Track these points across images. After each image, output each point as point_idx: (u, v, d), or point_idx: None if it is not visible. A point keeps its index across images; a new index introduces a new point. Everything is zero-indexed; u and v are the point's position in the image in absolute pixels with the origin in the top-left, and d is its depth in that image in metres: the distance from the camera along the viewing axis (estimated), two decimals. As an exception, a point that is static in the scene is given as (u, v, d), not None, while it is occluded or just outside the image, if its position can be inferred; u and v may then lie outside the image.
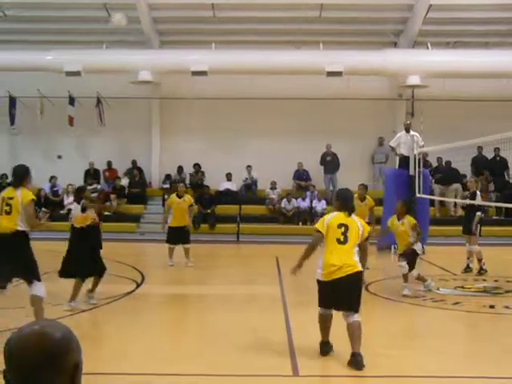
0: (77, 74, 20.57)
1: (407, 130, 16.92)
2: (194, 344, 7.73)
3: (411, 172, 16.44)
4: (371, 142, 22.86)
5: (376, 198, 19.39)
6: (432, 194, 19.47)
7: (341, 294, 6.56)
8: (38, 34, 22.20)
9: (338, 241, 6.62)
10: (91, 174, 23.08)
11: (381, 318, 9.28)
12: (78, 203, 9.91)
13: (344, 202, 6.95)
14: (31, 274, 7.53)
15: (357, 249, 6.67)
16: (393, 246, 16.68)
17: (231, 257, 17.60)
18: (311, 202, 21.58)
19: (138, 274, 12.75)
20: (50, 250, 14.62)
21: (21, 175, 7.75)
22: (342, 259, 6.53)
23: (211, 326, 8.65)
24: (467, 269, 13.54)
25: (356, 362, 6.38)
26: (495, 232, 19.41)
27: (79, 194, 10.35)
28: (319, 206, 21.31)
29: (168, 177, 23.01)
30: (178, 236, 14.09)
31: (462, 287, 11.54)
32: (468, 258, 13.69)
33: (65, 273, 9.58)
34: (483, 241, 18.66)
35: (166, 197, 22.03)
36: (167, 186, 22.53)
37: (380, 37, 22.51)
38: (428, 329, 8.75)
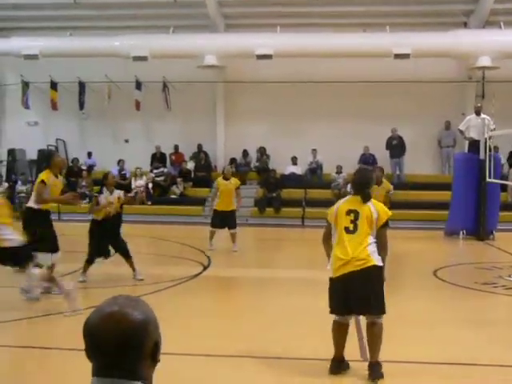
0: (143, 58, 20.83)
1: (477, 113, 16.48)
2: (256, 327, 7.74)
3: (481, 156, 16.04)
4: (438, 125, 22.37)
5: (444, 182, 19.20)
6: (504, 178, 18.95)
7: (352, 294, 5.56)
8: (106, 20, 22.60)
9: (347, 230, 5.64)
10: (158, 158, 23.37)
11: (448, 304, 9.08)
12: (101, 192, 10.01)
13: (358, 184, 5.90)
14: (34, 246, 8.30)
15: (373, 239, 5.62)
16: (461, 231, 16.40)
17: (296, 241, 17.56)
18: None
19: (204, 256, 12.86)
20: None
21: (44, 160, 9.05)
22: (351, 251, 5.54)
23: (274, 309, 8.64)
24: None
25: (373, 372, 5.57)
26: None
27: (102, 181, 10.35)
28: (385, 190, 21.01)
29: (233, 160, 23.09)
30: (222, 220, 13.67)
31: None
32: None
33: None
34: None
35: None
36: (232, 169, 22.62)
37: (449, 17, 21.93)
38: (498, 317, 8.52)
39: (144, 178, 22.40)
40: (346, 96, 22.01)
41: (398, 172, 22.03)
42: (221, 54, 21.26)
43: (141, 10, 22.14)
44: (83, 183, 22.47)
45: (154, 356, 1.89)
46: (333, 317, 5.85)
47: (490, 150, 15.85)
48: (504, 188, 19.34)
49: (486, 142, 15.89)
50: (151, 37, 21.37)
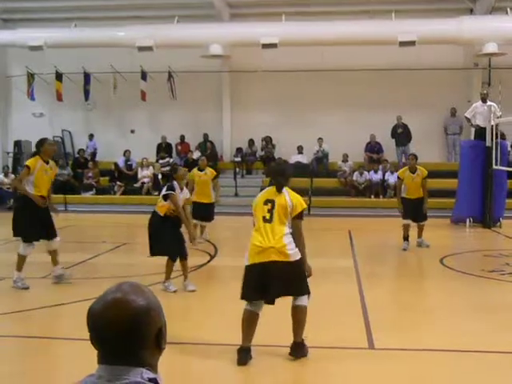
0: (149, 49, 20.78)
1: (484, 100, 16.42)
2: (264, 315, 7.76)
3: (488, 143, 16.00)
4: (444, 113, 22.31)
5: (451, 170, 19.15)
6: (511, 165, 18.88)
7: (269, 280, 5.69)
8: (111, 10, 22.60)
9: (264, 219, 5.77)
10: (164, 148, 23.39)
11: (455, 291, 9.09)
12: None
13: (271, 174, 6.20)
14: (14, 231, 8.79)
15: (289, 230, 5.78)
16: (468, 219, 16.39)
17: (303, 230, 17.53)
18: (383, 174, 21.30)
19: (210, 246, 12.89)
20: (124, 223, 14.97)
21: (35, 146, 9.11)
22: (267, 240, 5.68)
23: (281, 298, 8.66)
24: None
25: (294, 350, 5.83)
26: None
27: (171, 174, 9.45)
28: (392, 178, 21.00)
29: (239, 150, 23.10)
30: (199, 212, 13.01)
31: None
32: None
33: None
34: None
35: (237, 170, 22.26)
36: (239, 159, 22.65)
37: (455, 3, 21.81)
38: (506, 304, 8.52)
39: (150, 168, 22.43)
40: (352, 84, 21.95)
41: (403, 160, 21.98)
42: (226, 44, 21.20)
43: (146, 0, 22.13)
44: (89, 174, 22.52)
45: (158, 343, 1.89)
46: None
47: (496, 137, 15.81)
48: (511, 175, 19.25)
49: (492, 129, 15.85)
50: (156, 27, 21.31)
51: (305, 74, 21.75)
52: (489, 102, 16.29)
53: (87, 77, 22.83)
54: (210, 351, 6.18)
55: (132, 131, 24.22)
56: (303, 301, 5.81)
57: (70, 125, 24.04)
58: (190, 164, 22.77)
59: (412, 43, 19.68)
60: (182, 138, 23.59)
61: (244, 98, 23.15)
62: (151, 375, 1.84)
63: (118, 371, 1.82)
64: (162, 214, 8.74)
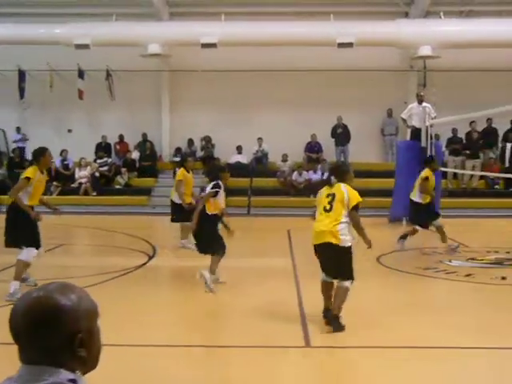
0: (86, 47, 20.46)
1: (420, 102, 16.77)
2: (204, 316, 7.76)
3: (423, 144, 16.34)
4: (381, 113, 22.72)
5: (388, 170, 19.50)
6: (444, 165, 19.36)
7: (324, 260, 6.84)
8: (47, 6, 22.12)
9: (324, 209, 6.78)
10: (103, 148, 23.08)
11: (391, 289, 9.26)
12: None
13: (334, 174, 7.17)
14: (18, 240, 8.44)
15: (345, 219, 6.70)
16: (404, 218, 16.68)
17: (242, 230, 17.45)
18: (322, 174, 21.52)
19: (149, 246, 12.79)
20: (61, 224, 14.72)
21: (33, 155, 8.62)
22: (323, 225, 6.72)
23: (222, 298, 8.67)
24: None
25: (330, 321, 6.69)
26: (507, 204, 19.36)
27: (217, 172, 9.38)
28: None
29: (178, 150, 22.99)
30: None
31: (474, 259, 11.48)
32: None
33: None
34: (495, 213, 18.72)
35: (176, 170, 22.11)
36: (178, 159, 22.52)
37: (391, 7, 22.24)
38: (438, 301, 8.74)
39: (88, 168, 22.10)
40: (292, 84, 22.13)
41: (342, 159, 22.26)
42: (165, 43, 21.08)
43: (83, -4, 21.82)
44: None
45: (72, 349, 1.81)
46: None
47: (431, 138, 16.17)
48: (445, 175, 19.76)
49: (427, 130, 16.19)
50: (93, 24, 20.98)
51: (244, 74, 21.79)
52: (424, 104, 16.65)
53: (22, 74, 22.33)
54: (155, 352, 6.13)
55: (69, 130, 23.80)
56: (346, 283, 6.73)
57: (4, 124, 23.41)
58: (129, 164, 22.61)
59: (350, 45, 19.97)
60: (121, 137, 23.33)
61: (183, 97, 23.05)
62: (71, 376, 1.80)
63: (37, 371, 1.78)
64: (209, 213, 8.88)
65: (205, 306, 8.33)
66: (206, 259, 9.02)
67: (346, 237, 6.65)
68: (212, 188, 8.91)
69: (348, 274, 6.72)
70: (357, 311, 7.32)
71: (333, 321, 6.66)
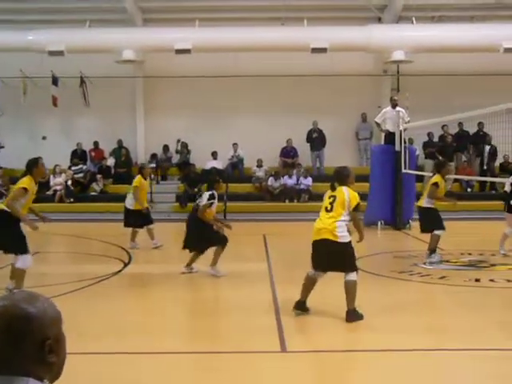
0: (60, 53, 20.36)
1: (394, 106, 16.91)
2: (180, 321, 7.77)
3: (397, 148, 16.49)
4: (356, 118, 22.88)
5: (362, 174, 19.59)
6: (421, 169, 19.52)
7: (319, 255, 7.31)
8: (20, 13, 21.95)
9: (326, 209, 7.35)
10: (78, 155, 22.94)
11: (367, 292, 9.31)
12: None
13: (336, 177, 7.72)
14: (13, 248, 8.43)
15: (345, 218, 7.28)
16: (379, 222, 16.82)
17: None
18: (298, 179, 21.61)
19: (125, 253, 12.75)
20: (36, 232, 14.60)
21: (27, 166, 8.67)
22: (322, 223, 7.30)
23: (198, 303, 8.69)
24: None
25: (348, 316, 7.19)
26: (480, 206, 19.59)
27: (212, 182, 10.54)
28: (305, 182, 21.34)
29: (154, 156, 22.92)
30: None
31: (448, 261, 11.61)
32: None
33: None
34: (469, 215, 18.92)
35: (152, 176, 22.07)
36: (153, 165, 22.48)
37: (364, 12, 22.40)
38: (413, 303, 8.81)
39: (63, 175, 21.95)
40: (266, 90, 22.20)
41: (318, 165, 22.39)
42: (139, 49, 21.06)
43: (56, 3, 21.59)
44: (-1, 182, 21.85)
45: (42, 356, 1.83)
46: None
47: (404, 142, 16.33)
48: (419, 178, 19.90)
49: (400, 134, 16.35)
50: (67, 31, 20.91)
51: (219, 80, 21.81)
52: (398, 108, 16.81)
53: (-5, 81, 22.13)
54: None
55: (44, 138, 23.63)
56: (351, 276, 7.24)
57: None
58: (104, 170, 22.50)
59: (324, 50, 20.13)
60: (96, 144, 23.20)
61: (158, 103, 23.01)
62: None
63: (2, 381, 1.78)
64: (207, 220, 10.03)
65: (181, 312, 8.34)
66: (179, 265, 9.00)
67: (343, 233, 7.18)
68: (208, 199, 9.96)
69: (351, 266, 7.26)
70: (331, 315, 7.38)
71: (351, 314, 7.18)
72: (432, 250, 11.45)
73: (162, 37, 20.85)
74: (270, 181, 21.58)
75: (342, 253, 7.21)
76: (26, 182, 8.46)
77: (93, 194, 22.13)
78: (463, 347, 6.43)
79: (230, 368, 5.86)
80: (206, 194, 10.05)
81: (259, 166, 22.28)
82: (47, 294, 1.99)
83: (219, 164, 22.47)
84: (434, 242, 11.45)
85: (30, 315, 1.83)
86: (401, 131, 16.32)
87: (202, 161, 22.33)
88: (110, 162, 22.93)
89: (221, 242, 10.04)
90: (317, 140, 22.40)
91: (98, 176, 22.30)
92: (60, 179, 21.84)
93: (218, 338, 6.81)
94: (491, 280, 9.83)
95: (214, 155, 22.51)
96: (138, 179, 13.54)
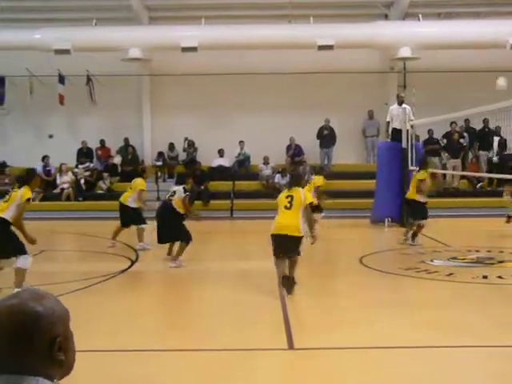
0: (66, 52, 20.39)
1: (400, 103, 16.87)
2: (188, 320, 7.78)
3: (404, 145, 16.45)
4: (362, 115, 22.81)
5: (369, 171, 19.59)
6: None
7: (282, 245, 8.34)
8: (27, 12, 22.03)
9: (285, 207, 8.42)
10: (84, 153, 22.97)
11: (374, 290, 9.31)
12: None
13: (293, 179, 9.22)
14: (10, 252, 8.47)
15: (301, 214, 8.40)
16: (386, 219, 16.79)
17: (225, 233, 17.63)
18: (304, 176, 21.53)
19: (132, 251, 12.76)
20: (43, 230, 14.67)
21: (25, 177, 8.94)
22: (285, 220, 8.37)
23: (206, 301, 8.69)
24: None
25: (285, 283, 8.33)
26: (487, 203, 19.52)
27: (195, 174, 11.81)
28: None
29: (160, 154, 22.93)
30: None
31: (456, 258, 11.58)
32: None
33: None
34: (476, 212, 18.87)
35: (159, 174, 22.11)
36: (160, 163, 22.50)
37: (371, 9, 22.38)
38: (420, 300, 8.79)
39: (69, 174, 21.99)
40: (272, 87, 22.17)
41: (326, 162, 22.35)
42: (145, 47, 21.07)
43: (63, 1, 21.67)
44: (6, 180, 21.90)
45: (52, 354, 1.82)
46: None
47: (411, 139, 16.29)
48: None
49: (407, 131, 16.31)
50: (73, 29, 20.94)
51: (226, 78, 21.81)
52: (404, 105, 16.77)
53: (2, 80, 22.20)
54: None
55: (50, 136, 23.66)
56: (297, 257, 8.43)
57: (-16, 130, 23.26)
58: (111, 169, 22.52)
59: (330, 47, 20.09)
60: (103, 142, 23.22)
61: (164, 101, 23.00)
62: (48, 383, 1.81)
63: (12, 380, 1.78)
64: (182, 212, 11.19)
65: (188, 310, 8.34)
66: (186, 263, 8.99)
67: (302, 229, 8.34)
68: (184, 192, 11.30)
69: (298, 251, 8.35)
70: (339, 312, 7.37)
71: (293, 282, 8.30)
72: (413, 236, 13.12)
73: (168, 35, 20.85)
74: (277, 178, 21.54)
75: (298, 243, 8.28)
76: (27, 193, 8.60)
77: (99, 192, 22.15)
78: (471, 344, 6.40)
79: (237, 365, 5.85)
80: (181, 188, 11.32)
81: (265, 163, 22.25)
82: (54, 292, 1.99)
83: (226, 162, 22.46)
84: (418, 229, 13.14)
85: (39, 313, 1.82)
86: (408, 128, 16.28)
87: (208, 158, 22.33)
88: (117, 160, 22.95)
89: (187, 238, 11.00)
90: (327, 137, 22.32)
91: (105, 174, 22.32)
92: (67, 177, 21.88)
93: (225, 336, 6.80)
94: (499, 277, 9.80)
95: (221, 153, 22.50)
96: (141, 182, 13.53)
